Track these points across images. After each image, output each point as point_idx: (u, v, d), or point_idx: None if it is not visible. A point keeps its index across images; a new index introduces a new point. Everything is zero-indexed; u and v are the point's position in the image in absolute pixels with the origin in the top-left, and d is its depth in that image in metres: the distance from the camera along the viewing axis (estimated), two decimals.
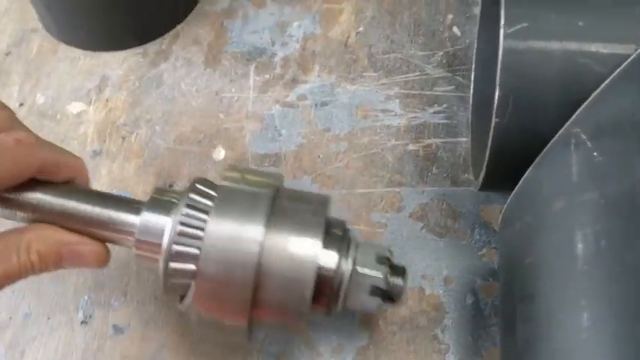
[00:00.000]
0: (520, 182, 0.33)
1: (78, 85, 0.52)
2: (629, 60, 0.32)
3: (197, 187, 0.35)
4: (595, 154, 0.31)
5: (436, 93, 0.50)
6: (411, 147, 0.47)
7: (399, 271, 0.36)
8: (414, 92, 0.50)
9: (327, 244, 0.35)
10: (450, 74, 0.50)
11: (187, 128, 0.49)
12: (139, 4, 0.51)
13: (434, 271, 0.43)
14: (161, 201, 0.35)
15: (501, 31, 0.33)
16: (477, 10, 0.44)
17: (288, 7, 0.54)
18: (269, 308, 0.34)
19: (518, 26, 0.33)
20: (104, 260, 0.35)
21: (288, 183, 0.46)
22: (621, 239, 0.28)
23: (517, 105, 0.33)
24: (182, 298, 0.35)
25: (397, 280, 0.36)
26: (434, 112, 0.49)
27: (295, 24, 0.53)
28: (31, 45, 0.54)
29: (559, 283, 0.29)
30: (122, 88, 0.51)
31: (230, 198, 0.34)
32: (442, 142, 0.47)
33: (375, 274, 0.35)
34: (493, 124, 0.34)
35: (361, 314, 0.41)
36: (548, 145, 0.32)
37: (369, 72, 0.51)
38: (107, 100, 0.51)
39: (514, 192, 0.34)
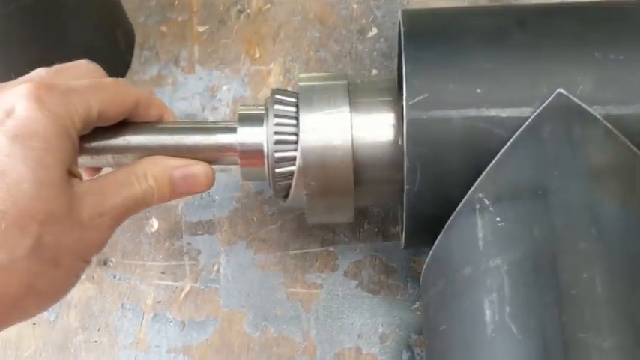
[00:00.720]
0: (433, 247, 0.34)
1: None
2: (526, 124, 0.33)
3: (278, 95, 0.39)
4: (498, 219, 0.32)
5: None
6: None
7: None
8: None
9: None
10: None
11: None
12: None
13: (370, 329, 0.44)
14: (250, 115, 0.39)
15: (404, 103, 0.34)
16: None
17: (216, 71, 0.55)
18: (367, 183, 0.38)
19: (420, 97, 0.34)
20: (212, 179, 0.39)
21: (224, 249, 0.47)
22: (524, 305, 0.29)
23: (425, 172, 0.34)
24: (285, 197, 0.40)
25: None
26: None
27: (225, 87, 0.54)
28: None
29: (470, 350, 0.30)
30: None
31: (310, 95, 0.39)
32: None
33: None
34: (405, 191, 0.35)
35: None
36: (456, 211, 0.33)
37: None
38: None
39: (428, 257, 0.35)
